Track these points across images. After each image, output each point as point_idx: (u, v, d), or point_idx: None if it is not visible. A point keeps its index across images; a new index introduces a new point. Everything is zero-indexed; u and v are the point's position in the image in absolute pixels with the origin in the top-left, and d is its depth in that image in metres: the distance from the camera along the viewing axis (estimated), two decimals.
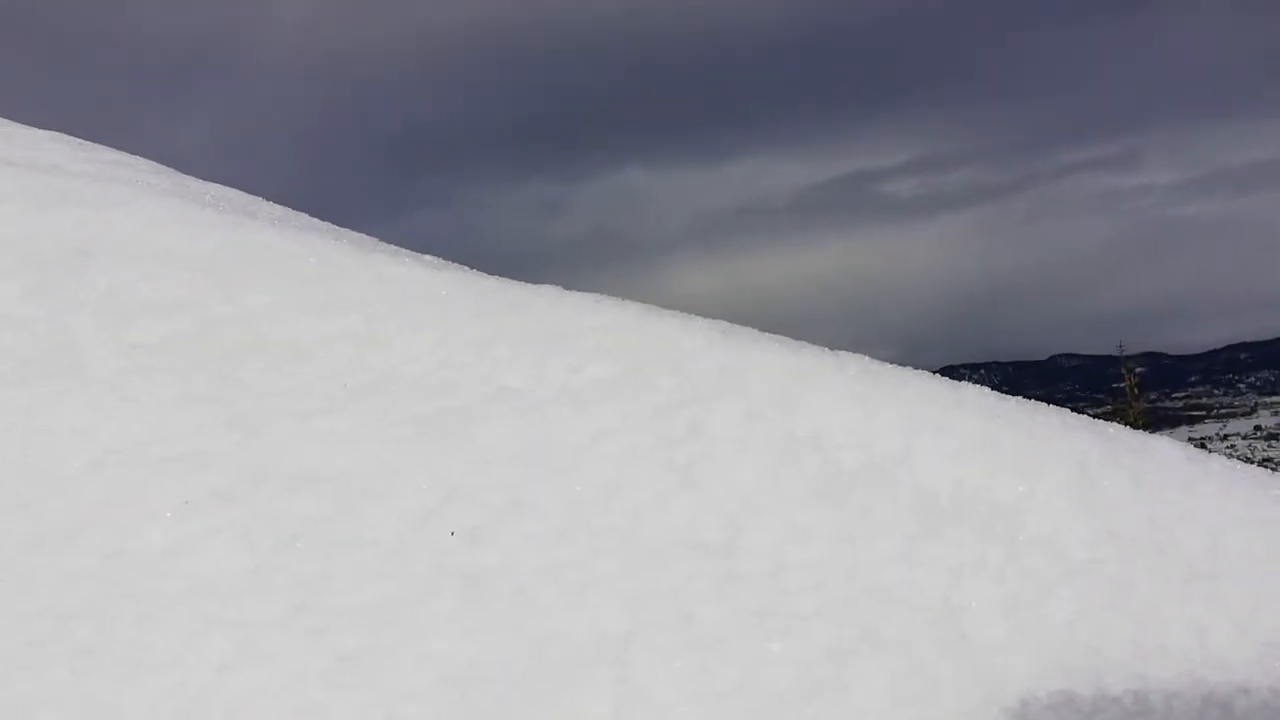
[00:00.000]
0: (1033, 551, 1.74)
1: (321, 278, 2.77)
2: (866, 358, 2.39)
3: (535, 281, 2.81)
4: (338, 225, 3.81)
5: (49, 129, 4.52)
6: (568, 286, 2.75)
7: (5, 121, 4.59)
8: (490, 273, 3.02)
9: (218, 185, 4.07)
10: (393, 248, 3.47)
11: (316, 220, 3.84)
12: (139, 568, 1.75)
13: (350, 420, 2.11)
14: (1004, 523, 1.80)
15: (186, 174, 4.20)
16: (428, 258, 3.31)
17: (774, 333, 2.59)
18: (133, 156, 4.22)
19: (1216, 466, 2.00)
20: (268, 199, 4.01)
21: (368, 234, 3.76)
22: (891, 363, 2.44)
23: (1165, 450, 2.04)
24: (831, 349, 2.49)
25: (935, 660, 1.55)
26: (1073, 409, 2.43)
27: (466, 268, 3.16)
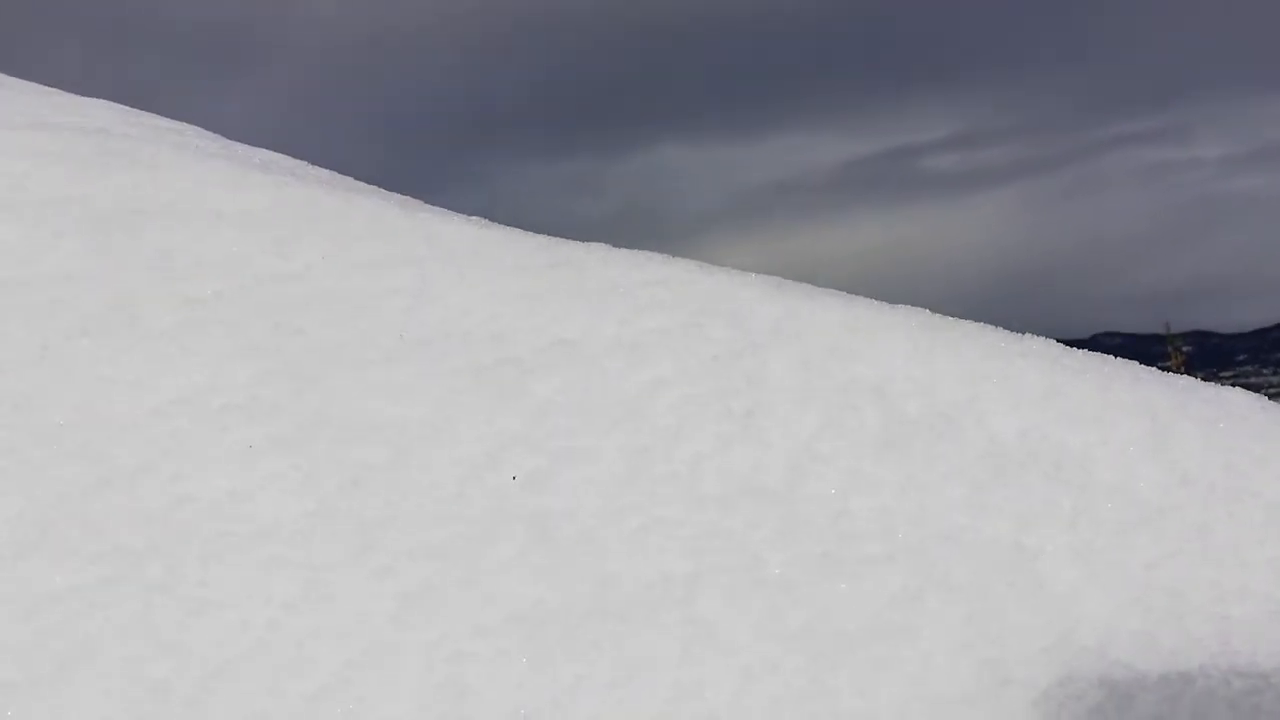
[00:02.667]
0: (1105, 498, 1.70)
1: (371, 235, 2.77)
2: (926, 310, 2.35)
3: None
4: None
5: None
6: None
7: (52, 89, 4.63)
8: None
9: (264, 150, 4.08)
10: (439, 209, 3.46)
11: (362, 183, 3.84)
12: (204, 510, 1.76)
13: (407, 371, 2.11)
14: (1074, 469, 1.76)
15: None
16: (474, 218, 3.30)
17: None
18: (179, 122, 4.24)
19: None
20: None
21: None
22: None
23: (1238, 400, 2.00)
24: None
25: (1008, 603, 1.53)
26: None
27: (513, 228, 3.15)
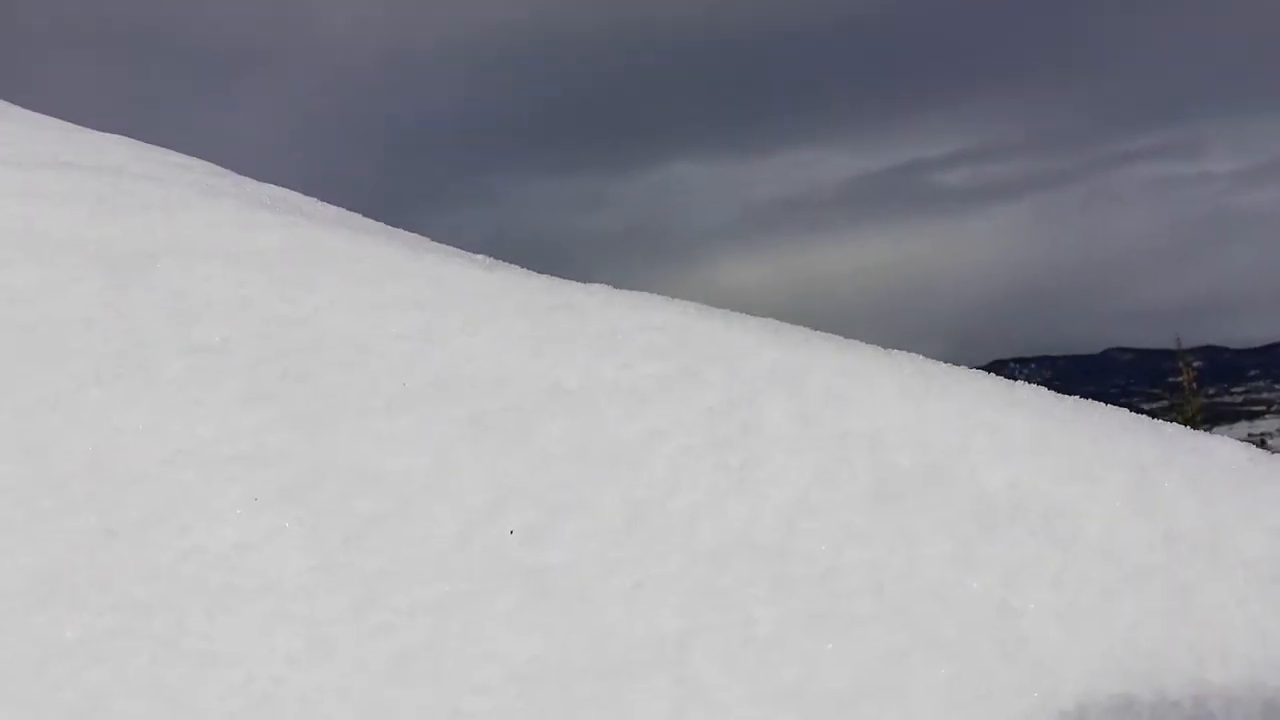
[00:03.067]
0: (1091, 554, 1.73)
1: (377, 278, 2.83)
2: (920, 356, 2.39)
3: (584, 278, 2.85)
4: (390, 225, 3.87)
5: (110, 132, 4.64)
6: (616, 281, 2.80)
7: (70, 125, 4.71)
8: (539, 270, 3.07)
9: (273, 186, 4.15)
10: (445, 247, 3.52)
11: (370, 220, 3.90)
12: (211, 563, 1.81)
13: (410, 419, 2.16)
14: (1061, 524, 1.80)
15: (243, 175, 4.28)
16: (479, 257, 3.36)
17: (824, 327, 2.60)
18: (192, 158, 4.32)
19: None
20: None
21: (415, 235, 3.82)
22: (942, 357, 2.44)
23: (1226, 451, 2.02)
24: (883, 345, 2.49)
25: (993, 663, 1.56)
26: (1127, 404, 2.40)
27: (517, 267, 3.21)
